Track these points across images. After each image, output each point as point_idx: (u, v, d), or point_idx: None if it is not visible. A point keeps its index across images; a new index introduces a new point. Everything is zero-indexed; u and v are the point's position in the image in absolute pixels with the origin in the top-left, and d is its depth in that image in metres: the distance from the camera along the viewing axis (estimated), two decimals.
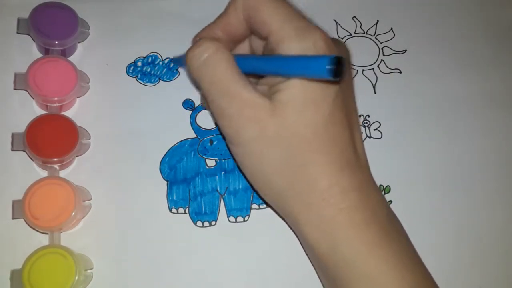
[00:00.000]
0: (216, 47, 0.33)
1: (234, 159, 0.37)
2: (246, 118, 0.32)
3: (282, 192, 0.34)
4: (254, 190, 0.38)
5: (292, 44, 0.32)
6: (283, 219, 0.38)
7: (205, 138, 0.41)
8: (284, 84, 0.32)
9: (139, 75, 0.43)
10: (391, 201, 0.41)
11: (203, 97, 0.41)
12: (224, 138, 0.37)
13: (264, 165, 0.33)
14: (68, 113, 0.41)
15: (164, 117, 0.42)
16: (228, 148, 0.37)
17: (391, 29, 0.46)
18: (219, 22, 0.36)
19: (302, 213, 0.33)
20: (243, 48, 0.38)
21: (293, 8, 0.33)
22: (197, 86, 0.38)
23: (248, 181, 0.36)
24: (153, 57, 0.43)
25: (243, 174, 0.37)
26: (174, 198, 0.40)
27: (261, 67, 0.33)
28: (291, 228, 0.38)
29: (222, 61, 0.33)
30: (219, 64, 0.33)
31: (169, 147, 0.41)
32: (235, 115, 0.33)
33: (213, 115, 0.36)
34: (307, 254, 0.37)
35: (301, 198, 0.33)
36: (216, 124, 0.41)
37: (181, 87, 0.43)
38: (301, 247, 0.39)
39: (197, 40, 0.36)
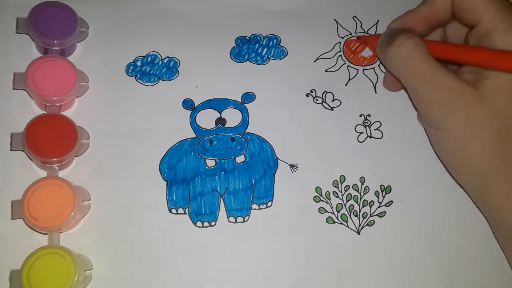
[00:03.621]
0: (414, 42, 0.36)
1: (433, 143, 0.40)
2: (453, 105, 0.35)
3: (485, 176, 0.35)
4: (451, 175, 0.40)
5: (502, 36, 0.34)
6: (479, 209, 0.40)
7: (205, 138, 0.41)
8: (492, 72, 0.34)
9: (138, 75, 0.43)
10: (391, 201, 0.41)
11: (388, 81, 0.43)
12: (425, 122, 0.39)
13: (469, 149, 0.35)
14: (67, 113, 0.41)
15: (164, 117, 0.42)
16: (429, 133, 0.39)
17: None
18: (422, 9, 0.38)
19: (507, 198, 0.35)
20: (434, 34, 0.40)
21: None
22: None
23: (446, 165, 0.39)
24: (153, 57, 0.43)
25: (440, 159, 0.40)
26: (174, 198, 0.40)
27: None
28: (485, 217, 0.39)
29: (423, 53, 0.36)
30: (420, 57, 0.36)
31: (169, 147, 0.41)
32: (441, 103, 0.35)
33: (415, 103, 0.38)
34: (499, 244, 0.39)
35: (508, 182, 0.35)
36: (415, 108, 0.42)
37: (181, 86, 0.43)
38: (300, 247, 0.39)
39: (392, 32, 0.38)
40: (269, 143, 0.41)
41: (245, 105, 0.42)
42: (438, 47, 0.37)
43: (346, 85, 0.44)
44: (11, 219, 0.37)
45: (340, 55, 0.45)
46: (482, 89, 0.35)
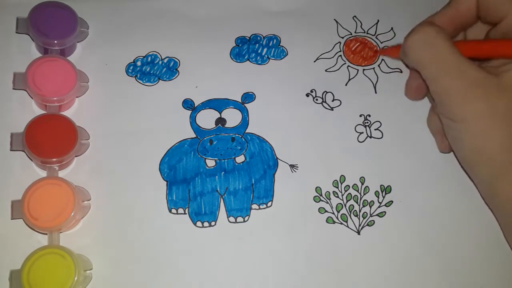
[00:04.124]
0: (437, 29, 0.35)
1: (449, 137, 0.38)
2: (473, 96, 0.34)
3: (501, 169, 0.35)
4: (464, 169, 0.39)
5: None
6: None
7: (205, 138, 0.41)
8: None
9: (138, 75, 0.43)
10: (391, 201, 0.41)
11: (411, 85, 0.42)
12: (443, 114, 0.37)
13: (487, 141, 0.35)
14: (67, 113, 0.41)
15: (164, 117, 0.42)
16: (445, 126, 0.38)
17: (392, 28, 0.46)
18: (446, 12, 0.38)
19: None
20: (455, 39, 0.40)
21: None
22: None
23: (460, 159, 0.38)
24: (153, 57, 0.43)
25: (456, 153, 0.39)
26: (174, 198, 0.40)
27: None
28: (494, 214, 0.39)
29: (446, 41, 0.35)
30: (443, 44, 0.35)
31: (169, 147, 0.41)
32: (461, 93, 0.34)
33: (433, 94, 0.37)
34: (508, 242, 0.38)
35: None
36: (431, 99, 0.42)
37: (181, 86, 0.43)
38: (300, 247, 0.39)
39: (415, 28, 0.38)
40: (269, 143, 0.41)
41: (245, 105, 0.42)
42: (467, 45, 0.37)
43: (346, 85, 0.44)
44: (11, 219, 0.37)
45: (340, 55, 0.45)
46: (505, 80, 0.34)
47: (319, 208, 0.40)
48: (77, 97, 0.41)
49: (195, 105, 0.42)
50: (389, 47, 0.44)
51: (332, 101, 0.43)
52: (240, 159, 0.41)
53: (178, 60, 0.43)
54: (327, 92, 0.43)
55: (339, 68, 0.44)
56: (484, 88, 0.34)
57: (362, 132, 0.42)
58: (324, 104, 0.43)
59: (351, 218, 0.40)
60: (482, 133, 0.35)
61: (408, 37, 0.37)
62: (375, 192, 0.41)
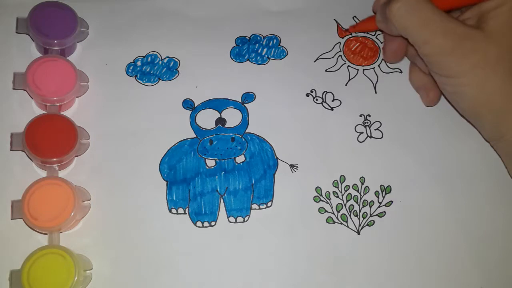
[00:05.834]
0: None
1: (448, 93, 0.39)
2: (466, 50, 0.36)
3: (504, 113, 0.37)
4: (470, 123, 0.41)
5: None
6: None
7: (205, 138, 0.41)
8: (494, 13, 0.37)
9: (138, 75, 0.43)
10: (391, 201, 0.41)
11: (389, 49, 0.43)
12: (437, 73, 0.39)
13: (487, 89, 0.37)
14: (67, 113, 0.41)
15: (164, 117, 0.42)
16: (442, 83, 0.39)
17: None
18: None
19: None
20: None
21: None
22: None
23: (463, 111, 0.40)
24: (153, 57, 0.43)
25: (458, 107, 0.40)
26: (174, 198, 0.40)
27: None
28: (503, 161, 0.41)
29: (427, 2, 0.37)
30: (426, 7, 0.37)
31: (169, 147, 0.41)
32: (455, 50, 0.37)
33: (424, 56, 0.38)
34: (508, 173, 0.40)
35: None
36: (414, 58, 0.43)
37: (181, 86, 0.43)
38: (300, 247, 0.39)
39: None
40: (269, 143, 0.41)
41: (245, 105, 0.42)
42: None
43: (346, 85, 0.44)
44: (11, 219, 0.37)
45: (340, 55, 0.45)
46: (488, 30, 0.37)
47: (319, 208, 0.40)
48: (77, 97, 0.41)
49: (195, 105, 0.42)
50: (361, 22, 0.44)
51: (332, 101, 0.43)
52: (240, 159, 0.41)
53: (178, 60, 0.43)
54: (327, 92, 0.43)
55: (339, 68, 0.44)
56: (474, 41, 0.36)
57: (362, 132, 0.42)
58: (324, 104, 0.43)
59: (351, 218, 0.40)
60: (481, 83, 0.37)
61: (391, 6, 0.38)
62: (375, 192, 0.41)
